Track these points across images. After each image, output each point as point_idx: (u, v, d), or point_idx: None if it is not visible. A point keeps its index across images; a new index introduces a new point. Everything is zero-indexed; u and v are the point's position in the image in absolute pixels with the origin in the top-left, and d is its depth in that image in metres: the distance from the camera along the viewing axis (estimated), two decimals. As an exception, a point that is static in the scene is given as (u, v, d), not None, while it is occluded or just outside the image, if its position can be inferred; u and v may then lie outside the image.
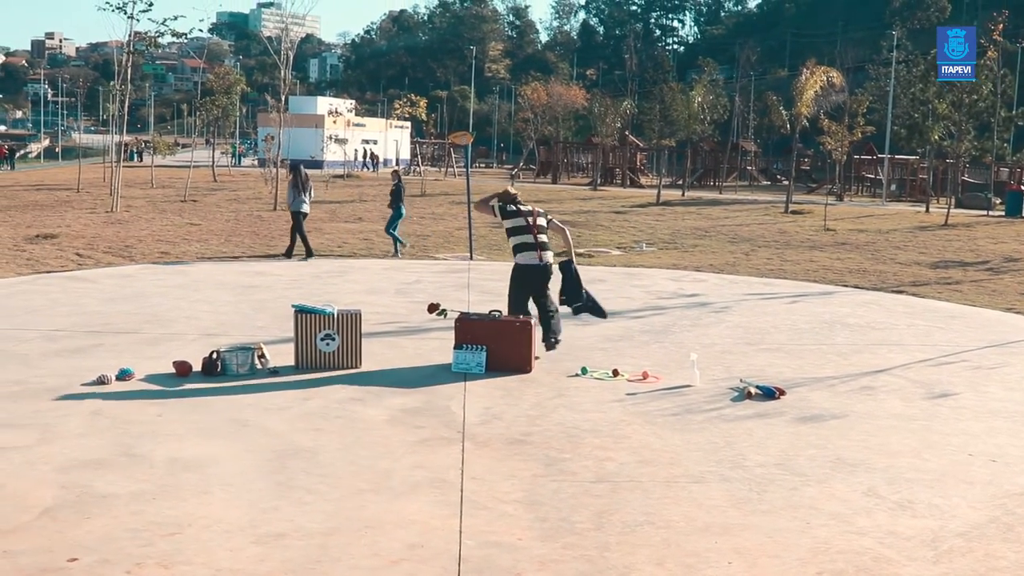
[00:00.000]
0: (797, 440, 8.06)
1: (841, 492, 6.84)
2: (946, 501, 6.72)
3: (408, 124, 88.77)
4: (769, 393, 9.40)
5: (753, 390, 9.43)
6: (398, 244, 21.81)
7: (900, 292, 17.37)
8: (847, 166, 58.45)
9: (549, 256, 11.12)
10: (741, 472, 7.22)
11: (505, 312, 10.97)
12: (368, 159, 78.16)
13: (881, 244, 26.42)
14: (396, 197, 22.19)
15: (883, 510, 6.51)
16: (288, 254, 20.38)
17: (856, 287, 17.91)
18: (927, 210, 41.79)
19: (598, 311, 11.48)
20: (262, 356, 10.18)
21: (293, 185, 20.81)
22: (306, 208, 20.70)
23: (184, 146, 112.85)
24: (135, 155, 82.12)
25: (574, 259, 11.49)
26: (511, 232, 11.21)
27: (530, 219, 11.14)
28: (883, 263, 21.83)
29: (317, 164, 67.32)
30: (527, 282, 11.09)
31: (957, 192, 48.03)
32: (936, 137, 41.87)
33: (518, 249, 11.11)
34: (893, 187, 59.55)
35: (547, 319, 11.06)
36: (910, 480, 7.12)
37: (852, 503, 6.63)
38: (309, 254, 20.32)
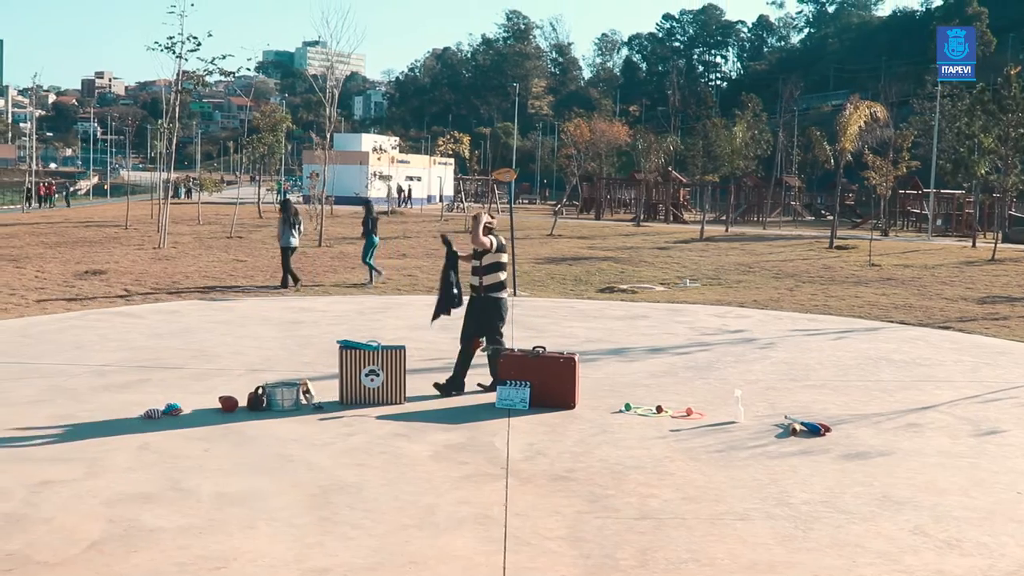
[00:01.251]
0: (843, 477, 8.01)
1: (888, 530, 6.78)
2: (994, 540, 6.65)
3: (452, 161, 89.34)
4: (814, 430, 9.34)
5: (798, 427, 9.38)
6: (373, 273, 22.63)
7: (947, 328, 17.21)
8: (892, 201, 58.12)
9: None
10: (786, 509, 7.17)
11: (482, 345, 11.16)
12: (406, 195, 78.23)
13: (927, 279, 26.21)
14: (367, 227, 22.84)
15: (930, 548, 6.45)
16: (295, 283, 21.28)
17: (902, 323, 17.77)
18: (974, 245, 41.42)
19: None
20: (307, 391, 10.24)
21: (284, 221, 21.64)
22: (295, 243, 21.64)
23: (230, 183, 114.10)
24: (184, 192, 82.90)
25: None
26: (500, 267, 11.16)
27: None
28: (929, 299, 21.65)
29: (362, 201, 67.67)
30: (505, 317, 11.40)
31: (1004, 226, 47.58)
32: (982, 171, 41.51)
33: (503, 285, 11.22)
34: (939, 222, 59.09)
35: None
36: (958, 518, 7.05)
37: (899, 541, 6.57)
38: (284, 284, 21.20)
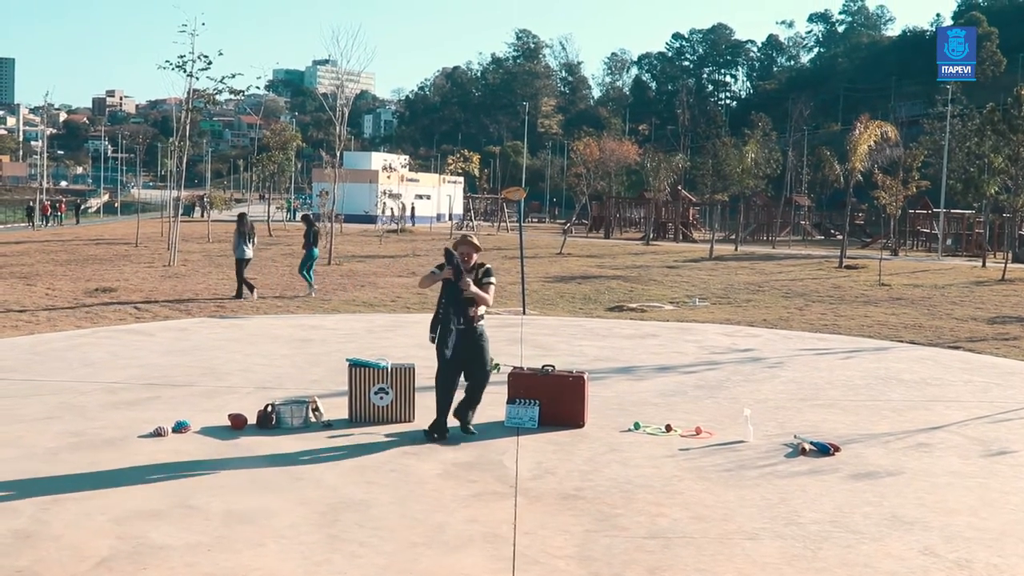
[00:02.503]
0: (852, 497, 7.99)
1: (897, 550, 6.76)
2: (1005, 561, 6.62)
3: (461, 179, 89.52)
4: (823, 449, 9.32)
5: (807, 446, 9.36)
6: (311, 285, 23.70)
7: (957, 348, 17.17)
8: (902, 220, 58.07)
9: None
10: (795, 529, 7.16)
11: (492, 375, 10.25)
12: (407, 212, 76.54)
13: (937, 299, 26.16)
14: (308, 240, 23.83)
15: (940, 569, 6.43)
16: (239, 295, 22.30)
17: (912, 343, 17.73)
18: (984, 265, 41.36)
19: None
20: (316, 409, 10.25)
21: (239, 233, 22.83)
22: (249, 254, 22.83)
23: (239, 201, 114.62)
24: (198, 211, 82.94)
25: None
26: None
27: None
28: (939, 318, 21.61)
29: (371, 219, 67.88)
30: None
31: (1014, 246, 47.50)
32: (992, 191, 41.49)
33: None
34: (949, 241, 59.03)
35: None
36: (968, 539, 7.03)
37: (908, 562, 6.55)
38: (239, 295, 22.30)
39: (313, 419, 10.13)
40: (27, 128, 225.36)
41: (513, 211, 67.91)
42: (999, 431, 10.53)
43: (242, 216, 23.65)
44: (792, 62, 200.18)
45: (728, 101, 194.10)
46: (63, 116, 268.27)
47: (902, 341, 17.91)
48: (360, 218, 70.03)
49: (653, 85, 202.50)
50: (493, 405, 10.91)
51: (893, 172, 48.47)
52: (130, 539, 6.65)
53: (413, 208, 77.49)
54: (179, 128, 36.47)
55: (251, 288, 22.45)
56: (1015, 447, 9.80)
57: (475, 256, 9.83)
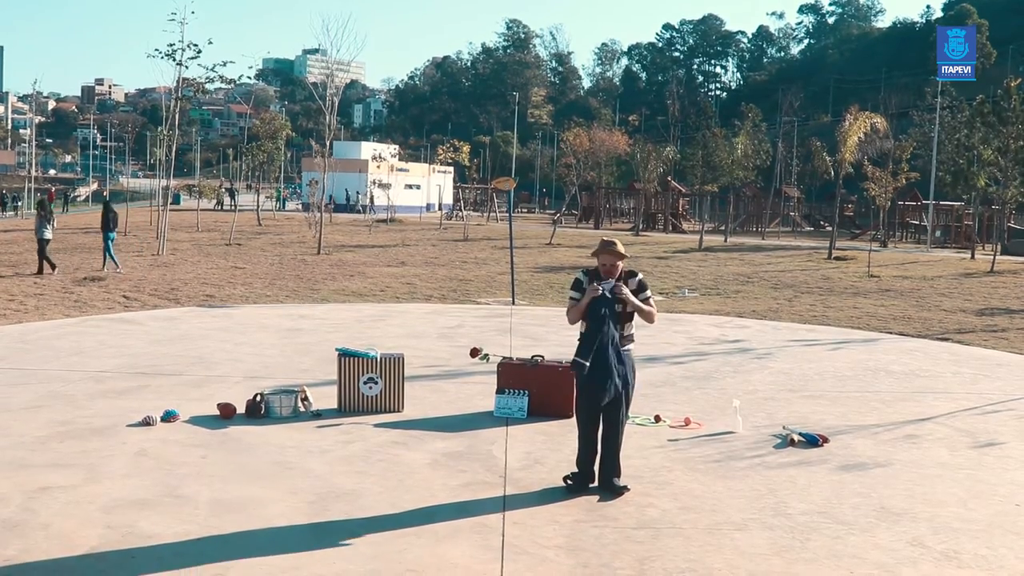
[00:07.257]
0: (841, 488, 8.00)
1: (885, 541, 6.77)
2: (993, 552, 6.64)
3: (451, 169, 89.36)
4: (812, 440, 9.33)
5: (796, 437, 9.38)
6: (107, 260, 25.64)
7: (945, 339, 17.21)
8: (891, 212, 58.16)
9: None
10: (784, 520, 7.17)
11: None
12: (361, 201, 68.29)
13: (926, 291, 26.20)
14: (106, 223, 25.89)
15: (928, 560, 6.45)
16: (40, 271, 24.12)
17: (900, 334, 17.76)
18: (972, 256, 41.43)
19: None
20: (305, 399, 10.24)
21: (40, 218, 25.18)
22: (48, 235, 24.86)
23: (229, 190, 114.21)
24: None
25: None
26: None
27: None
28: (928, 310, 21.65)
29: (361, 209, 67.69)
30: None
31: (1003, 238, 47.60)
32: (981, 183, 41.54)
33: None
34: (938, 233, 59.12)
35: None
36: (956, 530, 7.05)
37: (897, 553, 6.56)
38: (40, 271, 24.23)
39: (302, 408, 10.12)
40: (15, 116, 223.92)
41: (503, 201, 67.89)
42: (987, 423, 10.55)
43: (42, 203, 27.17)
44: (782, 53, 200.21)
45: (718, 92, 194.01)
46: (52, 104, 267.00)
47: (891, 333, 17.94)
48: (348, 207, 69.99)
49: (643, 76, 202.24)
50: (482, 395, 10.91)
51: (883, 164, 48.59)
52: (119, 528, 6.64)
53: (372, 198, 66.44)
54: (168, 117, 36.36)
55: (52, 266, 24.34)
56: (1003, 439, 9.82)
57: (620, 266, 8.11)
